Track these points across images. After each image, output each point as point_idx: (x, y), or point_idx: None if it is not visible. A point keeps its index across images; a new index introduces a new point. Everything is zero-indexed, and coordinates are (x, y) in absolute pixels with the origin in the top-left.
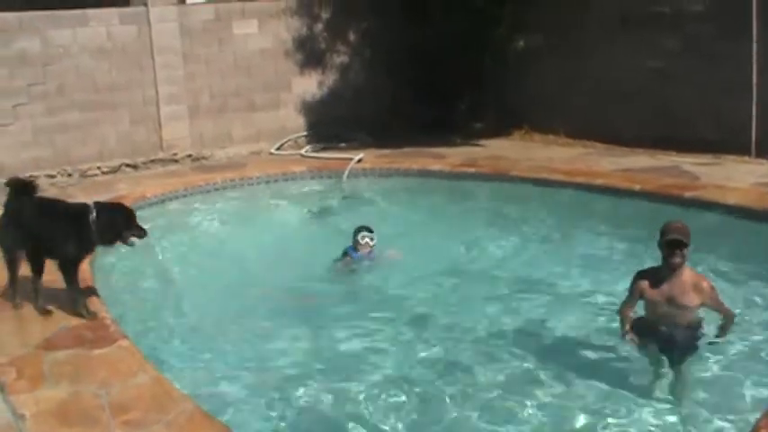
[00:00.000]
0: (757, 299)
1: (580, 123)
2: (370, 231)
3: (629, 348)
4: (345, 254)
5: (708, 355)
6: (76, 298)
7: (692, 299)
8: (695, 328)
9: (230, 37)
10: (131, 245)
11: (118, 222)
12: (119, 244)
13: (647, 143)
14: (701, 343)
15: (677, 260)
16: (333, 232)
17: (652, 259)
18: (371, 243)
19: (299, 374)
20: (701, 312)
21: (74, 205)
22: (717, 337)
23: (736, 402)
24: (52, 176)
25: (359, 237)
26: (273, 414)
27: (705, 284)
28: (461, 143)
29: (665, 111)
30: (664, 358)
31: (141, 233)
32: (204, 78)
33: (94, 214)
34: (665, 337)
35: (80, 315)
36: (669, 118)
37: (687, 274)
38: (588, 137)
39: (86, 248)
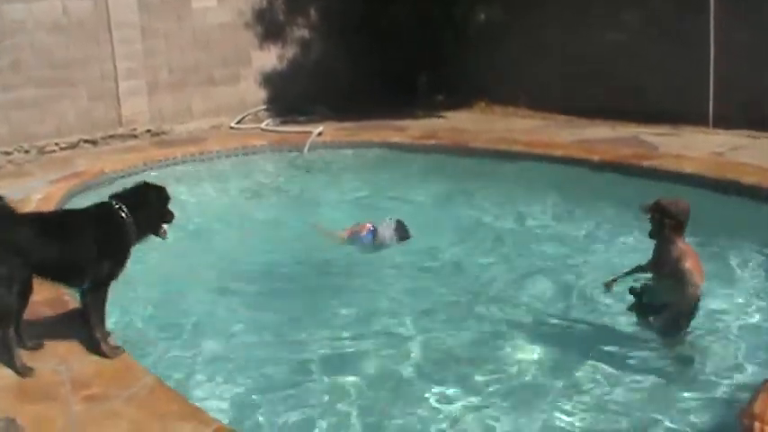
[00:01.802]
0: (711, 266)
1: (540, 96)
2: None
3: (601, 317)
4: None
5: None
6: (100, 334)
7: (666, 272)
8: (674, 301)
9: (189, 11)
10: (164, 237)
11: (159, 210)
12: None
13: (607, 115)
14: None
15: (650, 230)
16: (293, 205)
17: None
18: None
19: (269, 348)
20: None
21: (90, 210)
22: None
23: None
24: (8, 153)
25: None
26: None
27: (683, 266)
28: (422, 116)
29: (626, 83)
30: (651, 325)
31: (173, 217)
32: (163, 53)
33: (125, 210)
34: (646, 305)
35: (103, 354)
36: (629, 90)
37: (676, 250)
38: (548, 109)
39: (125, 259)
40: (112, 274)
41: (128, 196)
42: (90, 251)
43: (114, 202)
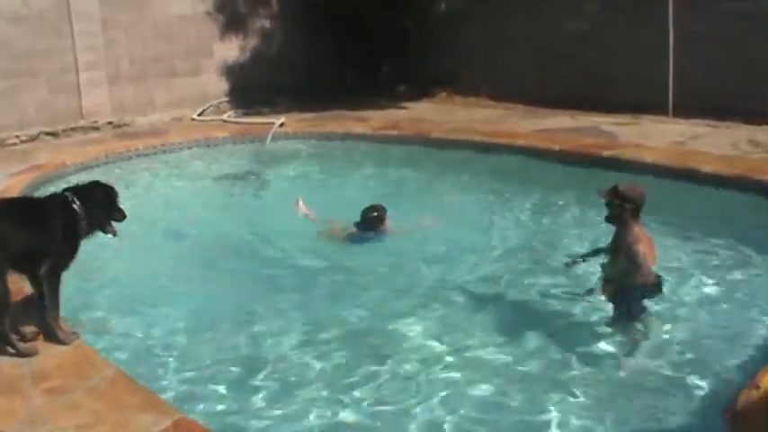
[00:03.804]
0: (673, 254)
1: (501, 86)
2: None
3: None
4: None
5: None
6: (55, 320)
7: (622, 256)
8: (626, 283)
9: (150, 3)
10: (115, 234)
11: (106, 206)
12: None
13: (568, 104)
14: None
15: (606, 214)
16: (254, 197)
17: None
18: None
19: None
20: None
21: (46, 199)
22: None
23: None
24: None
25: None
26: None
27: (636, 247)
28: (384, 106)
29: (586, 72)
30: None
31: (123, 216)
32: (124, 45)
33: (77, 202)
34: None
35: (59, 341)
36: (590, 79)
37: (632, 234)
38: (509, 99)
39: (77, 247)
40: (70, 262)
41: (79, 191)
42: (56, 237)
43: (68, 195)
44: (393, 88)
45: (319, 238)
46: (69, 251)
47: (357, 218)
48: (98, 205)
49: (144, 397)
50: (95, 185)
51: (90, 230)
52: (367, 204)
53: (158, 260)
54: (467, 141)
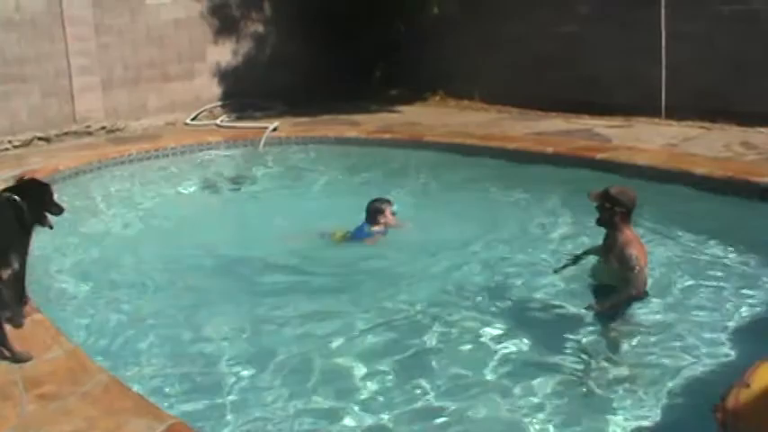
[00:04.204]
0: (664, 254)
1: (495, 89)
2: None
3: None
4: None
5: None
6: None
7: (613, 259)
8: (621, 287)
9: (142, 7)
10: (51, 226)
11: (42, 201)
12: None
13: (562, 107)
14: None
15: (597, 217)
16: (248, 201)
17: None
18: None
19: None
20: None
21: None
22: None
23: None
24: None
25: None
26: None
27: (629, 251)
28: (377, 110)
29: (580, 75)
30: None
31: (59, 210)
32: (117, 49)
33: (18, 198)
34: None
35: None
36: (583, 82)
37: (623, 237)
38: (503, 102)
39: (29, 237)
40: (27, 250)
41: (16, 189)
42: (15, 233)
43: (9, 194)
44: (386, 92)
45: (315, 240)
46: (25, 242)
47: (354, 219)
48: (32, 200)
49: (138, 402)
50: (29, 183)
51: (32, 223)
52: (369, 200)
53: (150, 265)
54: (460, 144)
